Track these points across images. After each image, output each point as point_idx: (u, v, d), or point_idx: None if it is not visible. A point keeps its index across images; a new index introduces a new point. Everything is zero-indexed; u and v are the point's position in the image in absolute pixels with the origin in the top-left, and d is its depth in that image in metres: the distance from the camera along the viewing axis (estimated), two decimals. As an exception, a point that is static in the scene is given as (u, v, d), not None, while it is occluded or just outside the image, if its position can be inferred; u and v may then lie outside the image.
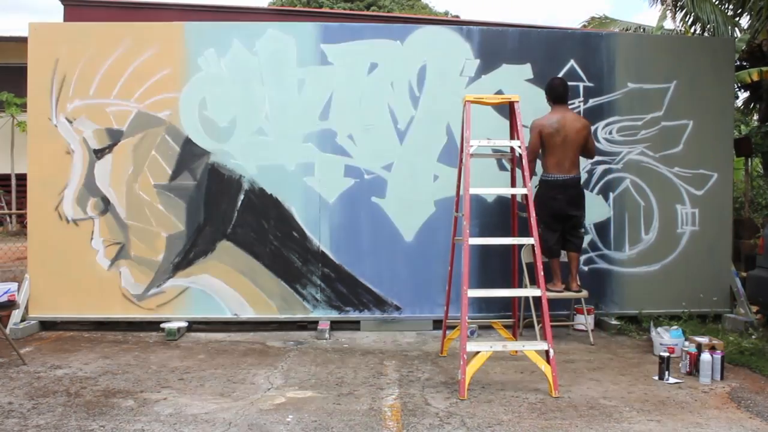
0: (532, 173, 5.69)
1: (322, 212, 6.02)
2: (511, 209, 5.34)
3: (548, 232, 5.57)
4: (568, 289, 5.66)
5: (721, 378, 4.48)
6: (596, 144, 6.20)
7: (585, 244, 6.22)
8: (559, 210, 5.54)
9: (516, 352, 5.02)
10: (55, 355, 5.06)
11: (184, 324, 5.85)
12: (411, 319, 6.06)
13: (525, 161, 4.52)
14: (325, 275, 6.01)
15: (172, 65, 5.95)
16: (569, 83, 6.10)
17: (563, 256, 5.80)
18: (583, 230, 5.73)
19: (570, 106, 6.15)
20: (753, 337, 5.53)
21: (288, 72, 6.01)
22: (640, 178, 6.29)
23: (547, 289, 5.50)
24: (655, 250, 6.29)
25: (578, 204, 5.62)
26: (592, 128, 6.14)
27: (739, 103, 10.67)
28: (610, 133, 6.25)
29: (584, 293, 5.64)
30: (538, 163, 5.70)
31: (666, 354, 4.52)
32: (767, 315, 5.87)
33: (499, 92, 6.01)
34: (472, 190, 4.43)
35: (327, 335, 5.70)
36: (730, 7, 9.73)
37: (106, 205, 5.95)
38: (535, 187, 5.71)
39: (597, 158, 6.20)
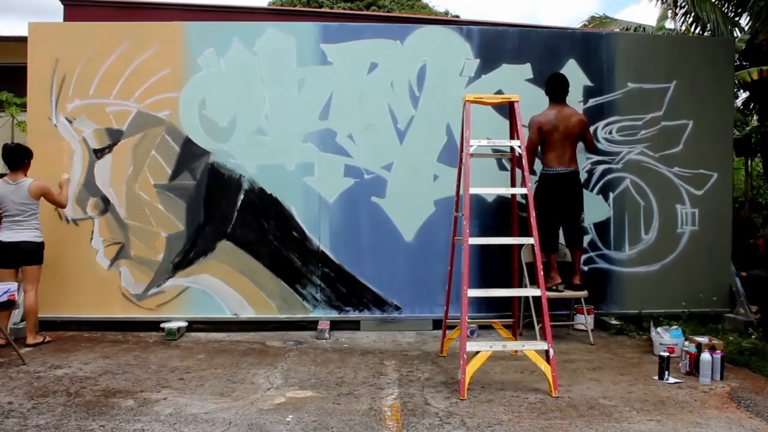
0: (531, 169, 5.71)
1: (322, 212, 6.02)
2: (511, 209, 5.34)
3: (548, 227, 5.58)
4: (569, 284, 5.68)
5: (721, 378, 4.48)
6: (596, 144, 6.21)
7: (585, 244, 6.22)
8: (560, 203, 5.56)
9: (516, 351, 5.02)
10: (55, 355, 5.07)
11: (184, 324, 5.85)
12: (411, 319, 6.06)
13: (525, 161, 4.52)
14: (325, 275, 6.01)
15: (172, 65, 5.95)
16: (569, 83, 6.12)
17: (567, 256, 5.80)
18: (583, 225, 5.74)
19: (570, 107, 6.17)
20: (753, 337, 5.52)
21: (288, 72, 6.01)
22: (640, 178, 6.29)
23: (548, 288, 5.52)
24: (655, 250, 6.29)
25: (578, 197, 5.66)
26: (592, 128, 6.18)
27: (739, 103, 10.66)
28: (610, 132, 6.25)
29: (584, 293, 5.65)
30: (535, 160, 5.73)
31: (666, 354, 4.52)
32: (767, 315, 5.86)
33: (499, 92, 6.01)
34: (472, 190, 4.43)
35: (327, 335, 5.70)
36: (730, 6, 9.72)
37: (105, 205, 5.95)
38: (535, 182, 5.73)
39: (597, 158, 6.21)
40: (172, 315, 5.90)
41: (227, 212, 5.99)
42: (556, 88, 5.65)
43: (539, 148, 5.67)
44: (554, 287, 5.58)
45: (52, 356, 5.03)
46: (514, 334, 5.32)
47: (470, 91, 6.02)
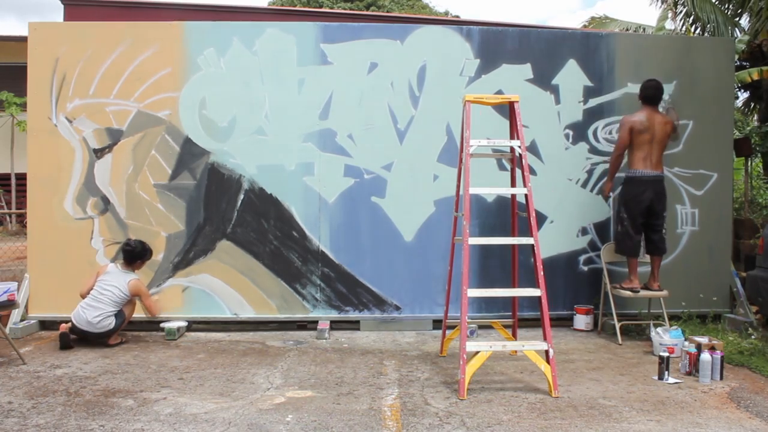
0: (617, 169, 5.73)
1: (322, 212, 6.02)
2: (511, 209, 5.33)
3: (632, 230, 5.61)
4: (647, 288, 5.68)
5: (721, 378, 4.48)
6: (595, 144, 6.22)
7: (585, 244, 6.23)
8: (646, 206, 5.56)
9: (516, 351, 5.02)
10: (55, 355, 5.07)
11: (183, 323, 5.85)
12: (411, 319, 6.06)
13: (525, 161, 4.51)
14: (324, 275, 6.01)
15: (172, 65, 5.95)
16: (568, 82, 6.16)
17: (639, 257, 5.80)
18: (665, 231, 5.73)
19: (569, 107, 6.18)
20: (753, 337, 5.52)
21: (288, 71, 6.01)
22: (640, 178, 6.27)
23: (622, 287, 5.57)
24: (655, 250, 6.28)
25: (664, 201, 5.66)
26: (591, 128, 6.19)
27: (739, 103, 10.67)
28: (610, 133, 6.24)
29: (665, 293, 5.66)
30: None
31: (666, 354, 4.52)
32: (767, 315, 5.86)
33: (499, 92, 6.01)
34: (472, 190, 4.43)
35: (327, 335, 5.70)
36: (730, 7, 9.73)
37: (105, 205, 5.95)
38: (620, 184, 5.73)
39: (597, 158, 6.22)
40: (172, 315, 5.90)
41: (227, 212, 5.99)
42: (651, 94, 5.65)
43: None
44: (631, 289, 5.61)
45: (51, 356, 5.03)
46: (513, 334, 5.32)
47: (470, 91, 6.02)
